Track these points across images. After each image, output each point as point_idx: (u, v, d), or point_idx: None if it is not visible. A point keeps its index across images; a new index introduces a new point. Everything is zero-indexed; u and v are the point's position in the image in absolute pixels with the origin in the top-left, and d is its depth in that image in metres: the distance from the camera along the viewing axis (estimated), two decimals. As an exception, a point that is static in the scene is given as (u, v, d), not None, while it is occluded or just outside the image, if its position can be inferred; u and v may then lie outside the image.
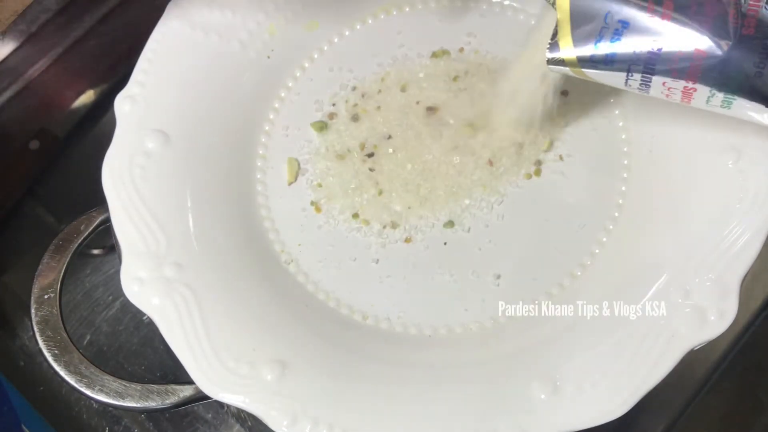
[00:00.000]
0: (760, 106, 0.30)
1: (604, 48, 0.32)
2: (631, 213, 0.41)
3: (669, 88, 0.32)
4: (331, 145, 0.43)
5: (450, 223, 0.41)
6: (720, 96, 0.31)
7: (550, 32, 0.34)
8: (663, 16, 0.30)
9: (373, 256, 0.41)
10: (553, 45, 0.34)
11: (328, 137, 0.44)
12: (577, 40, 0.33)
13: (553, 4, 0.33)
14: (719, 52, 0.30)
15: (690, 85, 0.31)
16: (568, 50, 0.33)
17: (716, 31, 0.29)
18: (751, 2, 0.28)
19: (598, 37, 0.32)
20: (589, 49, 0.33)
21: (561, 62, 0.34)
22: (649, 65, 0.32)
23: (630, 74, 0.32)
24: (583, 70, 0.34)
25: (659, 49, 0.31)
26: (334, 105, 0.44)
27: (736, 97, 0.30)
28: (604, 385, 0.34)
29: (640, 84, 0.32)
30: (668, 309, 0.35)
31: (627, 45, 0.32)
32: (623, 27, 0.31)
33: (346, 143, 0.43)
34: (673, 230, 0.38)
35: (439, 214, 0.41)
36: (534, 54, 0.37)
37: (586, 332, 0.37)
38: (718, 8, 0.29)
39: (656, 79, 0.32)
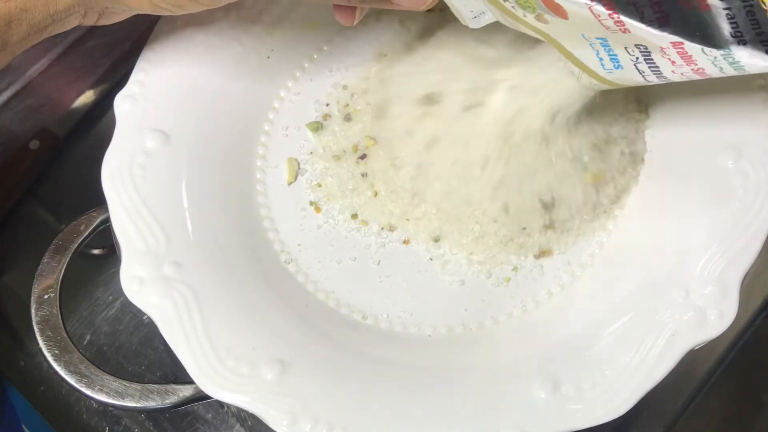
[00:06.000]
0: (761, 53, 0.30)
1: (607, 58, 0.33)
2: (631, 213, 0.41)
3: (682, 74, 0.32)
4: (328, 145, 0.43)
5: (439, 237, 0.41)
6: (723, 62, 0.30)
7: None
8: (623, 30, 0.30)
9: (372, 256, 0.41)
10: (573, 70, 0.35)
11: (324, 138, 0.43)
12: (586, 60, 0.34)
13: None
14: (695, 41, 0.30)
15: (695, 66, 0.31)
16: (584, 69, 0.34)
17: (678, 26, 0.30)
18: None
19: (596, 51, 0.33)
20: (597, 64, 0.33)
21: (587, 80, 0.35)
22: (646, 56, 0.32)
23: (638, 67, 0.32)
24: (608, 78, 0.34)
25: (646, 48, 0.31)
26: (327, 105, 0.44)
27: (735, 58, 0.30)
28: (604, 385, 0.34)
29: (652, 72, 0.32)
30: (668, 309, 0.35)
31: (619, 50, 0.32)
32: (605, 41, 0.32)
33: (341, 144, 0.43)
34: (673, 230, 0.38)
35: (434, 219, 0.41)
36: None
37: (586, 332, 0.37)
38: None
39: (661, 63, 0.32)
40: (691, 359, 0.35)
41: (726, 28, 0.28)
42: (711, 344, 0.35)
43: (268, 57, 0.44)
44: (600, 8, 0.30)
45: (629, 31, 0.30)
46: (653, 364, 0.34)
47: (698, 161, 0.39)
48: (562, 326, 0.38)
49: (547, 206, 0.39)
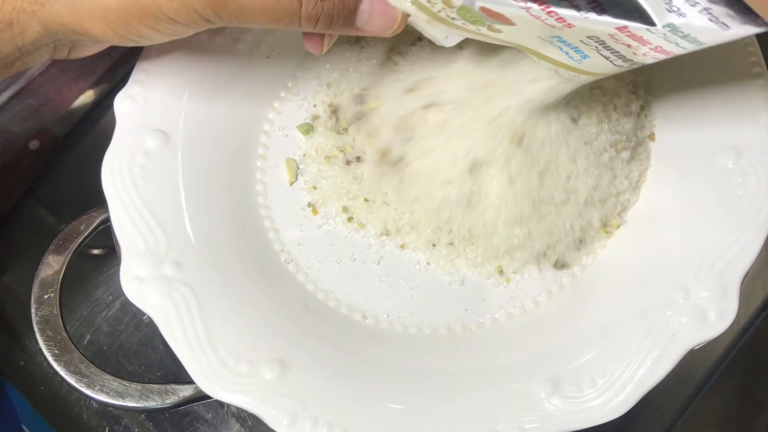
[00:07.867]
0: (704, 21, 0.29)
1: (572, 51, 0.33)
2: (631, 213, 0.41)
3: (644, 54, 0.31)
4: (320, 147, 0.43)
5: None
6: (674, 37, 0.30)
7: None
8: (567, 26, 0.30)
9: (372, 256, 0.41)
10: (549, 66, 0.34)
11: (316, 140, 0.43)
12: (555, 56, 0.34)
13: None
14: (636, 21, 0.29)
15: (652, 45, 0.30)
16: (557, 64, 0.34)
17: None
18: None
19: (559, 47, 0.33)
20: (566, 58, 0.33)
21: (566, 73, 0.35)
22: (602, 44, 0.31)
23: (602, 53, 0.32)
24: (581, 68, 0.34)
25: (598, 37, 0.31)
26: (315, 106, 0.44)
27: (684, 31, 0.29)
28: (604, 385, 0.34)
29: (616, 57, 0.32)
30: (668, 309, 0.35)
31: (578, 43, 0.32)
32: (560, 38, 0.32)
33: (330, 147, 0.42)
34: (673, 230, 0.38)
35: (426, 227, 0.40)
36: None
37: (586, 332, 0.37)
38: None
39: (618, 48, 0.31)
40: (691, 359, 0.35)
41: (660, 3, 0.28)
42: (711, 344, 0.35)
43: (268, 57, 0.44)
44: (536, 8, 0.30)
45: (573, 25, 0.30)
46: (653, 364, 0.34)
47: (698, 161, 0.39)
48: (562, 326, 0.38)
49: (544, 211, 0.39)
